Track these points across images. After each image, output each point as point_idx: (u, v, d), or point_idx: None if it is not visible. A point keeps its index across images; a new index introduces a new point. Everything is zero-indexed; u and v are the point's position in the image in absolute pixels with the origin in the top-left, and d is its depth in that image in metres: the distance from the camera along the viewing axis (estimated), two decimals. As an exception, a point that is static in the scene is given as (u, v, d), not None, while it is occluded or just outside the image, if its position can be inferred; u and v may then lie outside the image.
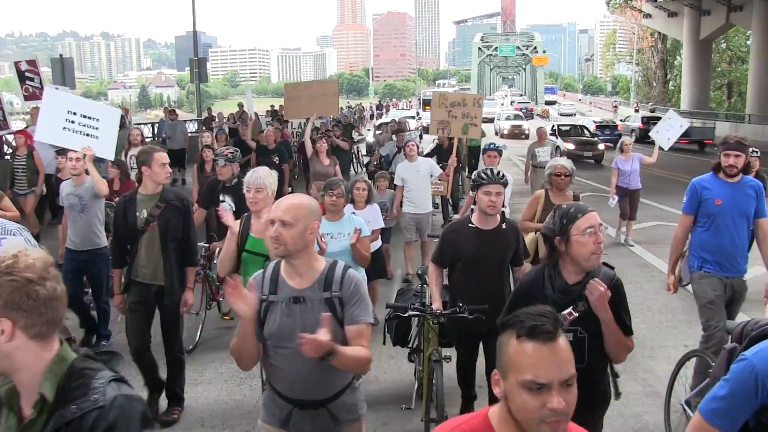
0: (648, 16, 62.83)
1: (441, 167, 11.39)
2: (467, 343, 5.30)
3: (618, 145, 13.36)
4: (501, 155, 8.98)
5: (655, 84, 74.09)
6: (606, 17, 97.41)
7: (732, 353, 3.14)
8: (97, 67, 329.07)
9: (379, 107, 63.66)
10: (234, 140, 17.09)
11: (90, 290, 7.80)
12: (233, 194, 7.42)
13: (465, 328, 5.01)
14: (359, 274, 3.49)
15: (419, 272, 6.39)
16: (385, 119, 34.33)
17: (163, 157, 5.61)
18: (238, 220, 5.23)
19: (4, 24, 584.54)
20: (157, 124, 22.23)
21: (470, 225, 5.07)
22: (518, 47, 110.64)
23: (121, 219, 5.69)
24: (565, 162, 6.70)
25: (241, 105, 26.80)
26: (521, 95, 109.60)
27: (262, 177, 5.10)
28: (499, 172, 4.98)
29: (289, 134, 17.93)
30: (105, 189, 7.24)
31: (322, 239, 5.16)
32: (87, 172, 7.16)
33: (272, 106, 26.11)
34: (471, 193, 8.32)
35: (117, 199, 8.70)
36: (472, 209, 5.37)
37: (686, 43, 56.40)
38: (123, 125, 14.57)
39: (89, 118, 7.10)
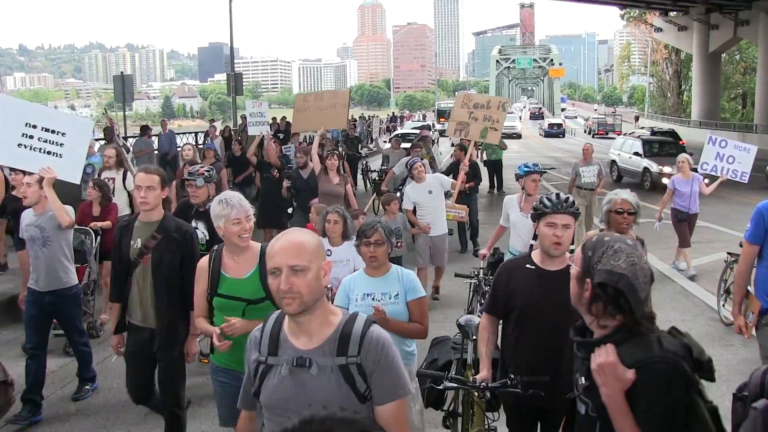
0: (659, 30, 64.30)
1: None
2: (521, 420, 4.09)
3: (676, 163, 11.73)
4: (542, 176, 7.58)
5: (669, 95, 75.15)
6: (624, 28, 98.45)
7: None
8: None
9: (393, 119, 60.27)
10: (228, 154, 16.56)
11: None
12: (207, 220, 5.88)
13: (518, 404, 3.98)
14: (385, 334, 2.71)
15: (459, 322, 5.00)
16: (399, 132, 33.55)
17: (138, 179, 4.82)
18: (205, 256, 4.30)
19: (34, 37, 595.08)
20: (156, 138, 20.17)
21: (529, 266, 3.97)
22: (535, 60, 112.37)
23: (116, 248, 5.00)
24: (629, 196, 5.26)
25: (244, 117, 26.47)
26: (539, 107, 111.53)
27: (244, 202, 4.20)
28: (568, 199, 3.97)
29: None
30: (67, 219, 5.97)
31: (376, 305, 4.28)
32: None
33: (273, 118, 25.87)
34: (501, 221, 7.55)
35: (94, 223, 8.26)
36: (532, 245, 4.39)
37: (696, 56, 57.86)
38: (111, 139, 14.40)
39: (52, 132, 6.01)
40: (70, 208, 6.08)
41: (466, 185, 11.74)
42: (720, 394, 6.09)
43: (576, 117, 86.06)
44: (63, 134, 6.04)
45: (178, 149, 18.70)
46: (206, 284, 4.17)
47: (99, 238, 8.25)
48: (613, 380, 2.42)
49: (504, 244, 7.83)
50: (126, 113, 25.65)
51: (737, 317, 5.14)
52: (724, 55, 62.03)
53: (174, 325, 4.87)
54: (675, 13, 59.47)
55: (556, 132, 61.23)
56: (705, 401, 2.48)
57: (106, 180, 9.17)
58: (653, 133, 34.64)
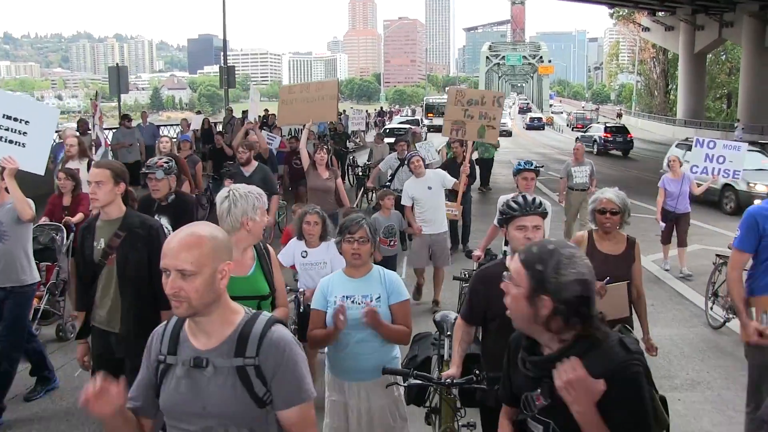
0: (647, 29, 64.98)
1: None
2: (490, 419, 3.80)
3: (665, 162, 11.81)
4: (538, 176, 6.97)
5: (656, 93, 75.84)
6: (614, 26, 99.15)
7: None
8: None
9: (381, 114, 59.77)
10: (210, 147, 16.04)
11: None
12: (170, 214, 6.25)
13: (485, 401, 3.94)
14: (288, 334, 2.58)
15: (435, 318, 5.10)
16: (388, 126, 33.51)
17: (91, 173, 4.53)
18: None
19: (20, 25, 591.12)
20: (113, 132, 18.84)
21: (498, 271, 3.66)
22: (525, 57, 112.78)
23: (78, 250, 4.72)
24: (614, 195, 5.02)
25: (230, 110, 25.90)
26: (527, 103, 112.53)
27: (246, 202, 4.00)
28: (535, 200, 3.85)
29: (286, 143, 16.05)
30: (28, 213, 5.64)
31: (341, 317, 3.96)
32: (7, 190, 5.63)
33: (266, 110, 26.10)
34: (495, 222, 6.83)
35: (67, 218, 7.84)
36: (506, 251, 4.13)
37: (682, 56, 58.55)
38: (86, 131, 13.89)
39: (15, 119, 5.66)
40: (31, 202, 5.70)
41: (464, 184, 11.02)
42: (708, 397, 6.42)
43: (562, 113, 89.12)
44: (26, 122, 5.69)
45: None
46: None
47: (72, 234, 7.68)
48: (584, 395, 2.28)
49: (496, 246, 7.66)
50: (114, 104, 25.65)
51: (747, 325, 4.63)
52: (709, 55, 62.77)
53: (144, 327, 3.94)
54: (662, 13, 60.13)
55: (537, 125, 67.80)
56: (656, 391, 2.73)
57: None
58: (607, 128, 39.95)
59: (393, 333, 4.17)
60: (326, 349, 4.39)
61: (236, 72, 31.27)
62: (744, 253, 4.73)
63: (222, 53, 33.86)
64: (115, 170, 4.55)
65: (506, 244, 4.12)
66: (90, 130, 13.44)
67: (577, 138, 39.87)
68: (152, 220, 4.82)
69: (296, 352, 2.54)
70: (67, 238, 7.77)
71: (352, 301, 4.15)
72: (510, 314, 2.46)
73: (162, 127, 26.96)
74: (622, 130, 39.68)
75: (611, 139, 38.02)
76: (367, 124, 44.31)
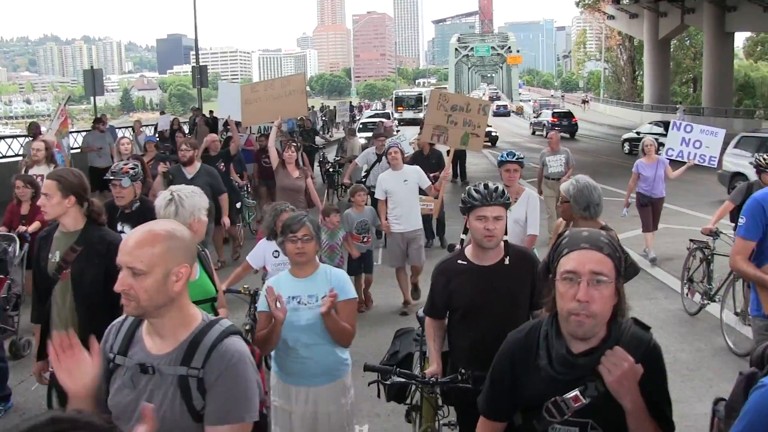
0: (612, 17, 66.32)
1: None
2: (468, 419, 3.68)
3: (640, 146, 11.39)
4: (522, 167, 6.61)
5: (624, 80, 76.93)
6: (581, 14, 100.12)
7: (750, 380, 2.38)
8: (79, 71, 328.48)
9: (351, 108, 57.13)
10: (172, 148, 14.88)
11: None
12: (135, 222, 5.45)
13: (469, 400, 3.49)
14: (241, 348, 2.44)
15: (418, 314, 4.85)
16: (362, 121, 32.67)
17: (44, 185, 4.30)
18: None
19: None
20: (84, 135, 18.05)
21: (461, 262, 3.84)
22: (493, 47, 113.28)
23: (34, 261, 4.53)
24: (567, 184, 4.95)
25: (196, 110, 25.64)
26: (497, 93, 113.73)
27: (202, 199, 3.97)
28: (497, 188, 3.74)
29: (254, 141, 15.67)
30: None
31: (278, 304, 3.73)
32: None
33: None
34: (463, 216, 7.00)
35: (19, 228, 7.52)
36: (462, 240, 4.05)
37: (647, 43, 59.88)
38: (37, 135, 12.95)
39: None
40: None
41: (432, 175, 10.57)
42: (693, 385, 6.42)
43: (530, 101, 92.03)
44: None
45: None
46: None
47: (27, 244, 7.33)
48: (635, 385, 2.26)
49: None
50: (84, 107, 25.67)
51: None
52: (674, 41, 64.09)
53: None
54: (627, 1, 61.36)
55: (503, 112, 72.82)
56: None
57: (35, 177, 8.17)
58: (554, 113, 45.51)
59: (339, 329, 3.96)
60: (273, 353, 4.16)
61: (206, 71, 31.52)
62: (749, 242, 4.45)
63: (193, 52, 34.06)
64: (63, 182, 4.21)
65: (465, 232, 3.90)
66: (41, 134, 12.82)
67: (550, 125, 41.18)
68: (113, 235, 4.41)
69: (245, 369, 2.39)
70: (21, 248, 7.32)
71: (299, 302, 3.98)
72: (596, 320, 2.27)
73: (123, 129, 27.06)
74: (568, 115, 44.44)
75: (558, 122, 41.53)
76: (351, 116, 44.10)
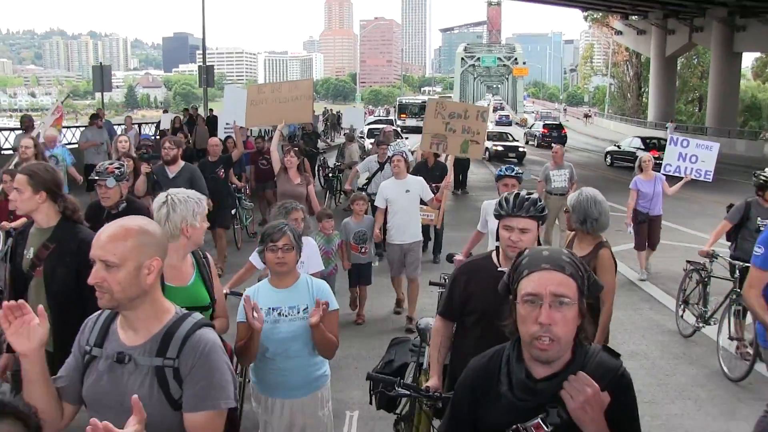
0: (619, 33, 66.11)
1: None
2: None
3: (637, 162, 11.11)
4: (520, 183, 6.35)
5: (629, 96, 76.87)
6: (590, 29, 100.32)
7: None
8: (85, 66, 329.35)
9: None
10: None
11: None
12: None
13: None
14: (213, 338, 2.52)
15: (418, 325, 4.85)
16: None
17: (16, 180, 4.24)
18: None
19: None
20: (82, 130, 17.86)
21: (490, 268, 3.69)
22: (500, 58, 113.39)
23: (11, 258, 4.44)
24: (571, 196, 5.05)
25: (194, 108, 25.40)
26: (501, 103, 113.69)
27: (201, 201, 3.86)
28: (528, 199, 3.63)
29: (253, 142, 15.20)
30: None
31: (255, 314, 3.59)
32: None
33: (211, 109, 26.82)
34: (478, 227, 6.94)
35: (4, 223, 7.35)
36: (497, 247, 3.85)
37: (653, 60, 59.63)
38: (30, 128, 12.85)
39: None
40: None
41: (435, 185, 10.30)
42: (644, 365, 6.86)
43: (533, 113, 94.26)
44: None
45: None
46: None
47: (11, 239, 7.08)
48: (599, 412, 2.12)
49: (477, 251, 7.26)
50: (89, 102, 25.75)
51: None
52: (681, 59, 63.97)
53: (69, 346, 3.31)
54: (635, 17, 61.19)
55: (504, 122, 74.23)
56: None
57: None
58: (545, 125, 48.33)
59: (326, 340, 3.85)
60: (252, 364, 4.09)
61: (213, 71, 31.49)
62: (766, 273, 4.32)
63: (198, 52, 34.12)
64: (34, 177, 4.14)
65: (497, 239, 3.80)
66: (34, 127, 12.72)
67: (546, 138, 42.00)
68: (85, 232, 4.23)
69: (218, 358, 2.48)
70: (5, 243, 7.00)
71: (279, 314, 3.89)
72: (560, 344, 2.14)
73: (142, 125, 27.02)
74: (558, 127, 47.55)
75: (548, 133, 44.59)
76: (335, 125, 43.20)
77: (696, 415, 6.23)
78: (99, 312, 2.62)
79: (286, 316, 3.88)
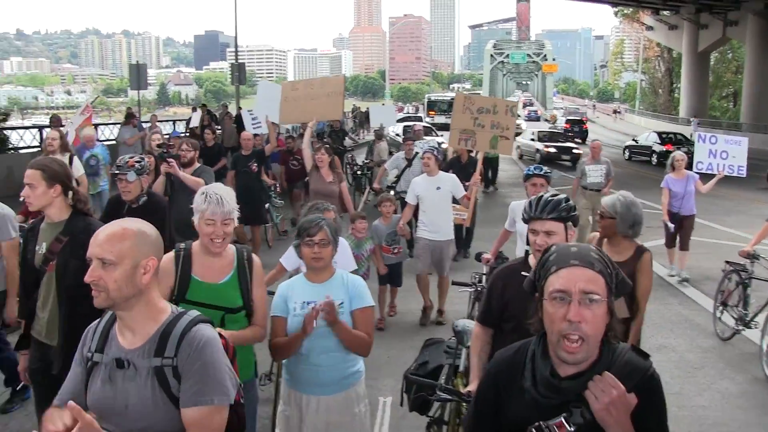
0: (650, 28, 65.40)
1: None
2: None
3: (669, 160, 10.86)
4: (549, 183, 6.24)
5: (661, 92, 76.06)
6: (620, 24, 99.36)
7: None
8: (118, 64, 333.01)
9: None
10: (201, 145, 14.17)
11: None
12: (141, 217, 4.79)
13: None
14: (209, 334, 2.51)
15: (455, 327, 4.65)
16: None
17: (28, 175, 4.15)
18: (168, 255, 3.70)
19: (30, 22, 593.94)
20: (119, 129, 18.31)
21: (525, 273, 3.26)
22: (529, 55, 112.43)
23: (22, 254, 4.42)
24: (612, 199, 4.81)
25: (225, 105, 25.71)
26: (530, 99, 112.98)
27: (229, 202, 3.70)
28: (551, 201, 3.55)
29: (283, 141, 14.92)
30: None
31: (314, 309, 3.69)
32: None
33: (225, 104, 26.72)
34: (506, 225, 6.87)
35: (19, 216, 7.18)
36: (527, 251, 3.89)
37: (685, 55, 58.97)
38: (58, 126, 13.09)
39: None
40: None
41: (466, 183, 9.79)
42: (672, 358, 6.85)
43: (561, 108, 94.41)
44: None
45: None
46: (171, 288, 3.63)
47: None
48: (625, 414, 2.06)
49: (508, 250, 7.33)
50: (122, 99, 26.29)
51: None
52: (715, 54, 63.10)
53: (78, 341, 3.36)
54: (666, 12, 60.48)
55: (534, 117, 75.58)
56: None
57: None
58: (567, 120, 51.30)
59: (352, 338, 3.83)
60: (284, 360, 4.10)
61: (245, 68, 31.82)
62: None
63: (230, 50, 34.52)
64: (48, 171, 4.12)
65: (528, 243, 3.76)
66: (63, 125, 12.76)
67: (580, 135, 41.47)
68: (97, 225, 3.83)
69: (212, 352, 2.46)
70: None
71: (313, 308, 3.79)
72: (588, 343, 2.10)
73: (170, 122, 27.45)
74: (579, 122, 50.01)
75: (570, 129, 46.15)
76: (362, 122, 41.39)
77: (724, 407, 6.24)
78: (98, 319, 2.65)
79: (321, 310, 3.78)
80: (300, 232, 3.95)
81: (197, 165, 8.68)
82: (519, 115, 58.90)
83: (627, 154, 34.27)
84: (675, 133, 34.24)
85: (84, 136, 11.19)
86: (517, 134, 43.36)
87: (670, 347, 7.71)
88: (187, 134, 19.25)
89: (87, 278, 2.41)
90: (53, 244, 4.09)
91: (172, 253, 3.73)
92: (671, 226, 10.37)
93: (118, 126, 19.74)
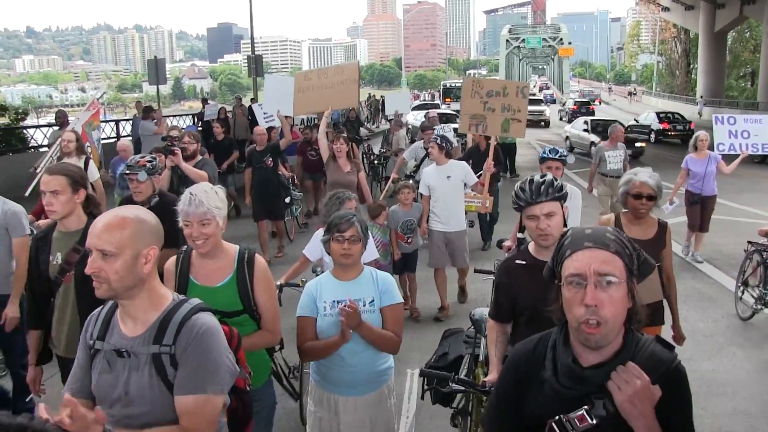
0: (666, 9, 64.69)
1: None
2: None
3: (692, 140, 10.73)
4: (565, 165, 6.16)
5: (678, 73, 75.41)
6: (637, 5, 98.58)
7: None
8: (132, 59, 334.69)
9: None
10: (211, 140, 14.57)
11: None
12: None
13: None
14: (210, 321, 2.53)
15: (473, 316, 4.67)
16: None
17: (44, 181, 4.02)
18: (172, 258, 3.71)
19: (41, 19, 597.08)
20: (130, 122, 18.36)
21: (520, 261, 3.58)
22: (545, 39, 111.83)
23: (33, 264, 4.19)
24: (649, 178, 4.67)
25: (239, 98, 24.92)
26: (547, 83, 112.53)
27: (207, 202, 3.49)
28: (544, 181, 3.50)
29: (298, 132, 14.62)
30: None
31: (346, 309, 3.58)
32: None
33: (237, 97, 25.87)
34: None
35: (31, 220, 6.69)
36: (521, 238, 3.87)
37: (702, 35, 58.35)
38: (64, 124, 12.74)
39: None
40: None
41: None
42: (684, 327, 6.61)
43: (577, 91, 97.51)
44: None
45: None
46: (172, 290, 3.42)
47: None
48: (649, 406, 1.99)
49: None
50: (137, 95, 26.36)
51: None
52: (733, 33, 62.35)
53: None
54: (682, -8, 59.82)
55: (549, 99, 79.22)
56: None
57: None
58: (575, 102, 53.87)
59: (379, 338, 3.75)
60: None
61: (262, 60, 31.61)
62: None
63: (244, 41, 34.67)
64: (72, 176, 4.01)
65: (521, 231, 3.72)
66: (68, 122, 12.33)
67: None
68: None
69: (213, 342, 2.46)
70: None
71: (344, 306, 3.66)
72: (608, 326, 2.02)
73: (188, 116, 27.44)
74: (586, 104, 52.00)
75: (577, 110, 47.61)
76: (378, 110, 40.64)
77: (732, 370, 6.57)
78: (101, 307, 2.65)
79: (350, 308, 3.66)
80: (330, 227, 3.82)
81: (199, 158, 8.56)
82: (542, 99, 59.39)
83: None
84: (672, 113, 35.70)
85: (120, 147, 10.74)
86: (541, 121, 43.79)
87: (682, 317, 7.69)
88: (200, 128, 19.10)
89: (87, 270, 2.40)
90: (70, 255, 3.96)
91: (174, 257, 3.69)
92: (674, 204, 10.05)
93: (130, 121, 19.64)
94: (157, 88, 24.89)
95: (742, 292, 8.25)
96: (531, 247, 3.61)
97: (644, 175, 4.68)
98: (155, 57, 23.70)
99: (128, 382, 2.44)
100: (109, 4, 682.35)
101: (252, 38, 32.62)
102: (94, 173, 8.77)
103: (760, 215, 13.90)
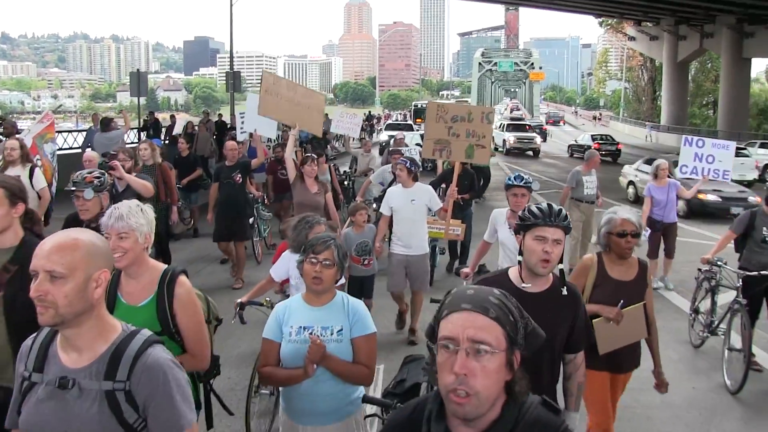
0: (633, 38, 67.11)
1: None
2: None
3: (652, 168, 10.80)
4: (531, 193, 6.21)
5: (644, 100, 77.58)
6: (605, 33, 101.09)
7: None
8: (107, 69, 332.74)
9: (369, 118, 53.80)
10: (176, 155, 13.85)
11: None
12: None
13: None
14: (166, 358, 2.36)
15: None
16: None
17: None
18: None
19: (17, 25, 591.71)
20: (85, 134, 17.43)
21: (510, 285, 3.38)
22: (516, 63, 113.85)
23: None
24: (630, 215, 4.46)
25: (207, 113, 25.86)
26: (517, 105, 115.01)
27: (127, 217, 3.39)
28: (561, 211, 3.38)
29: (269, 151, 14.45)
30: None
31: (314, 336, 3.51)
32: None
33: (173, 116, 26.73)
34: (485, 237, 6.67)
35: None
36: (480, 266, 3.29)
37: (665, 65, 60.74)
38: (11, 134, 11.07)
39: None
40: None
41: (461, 197, 9.97)
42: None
43: (545, 113, 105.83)
44: None
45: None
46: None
47: None
48: None
49: (489, 263, 7.13)
50: (110, 105, 27.05)
51: None
52: (695, 63, 64.78)
53: None
54: (648, 23, 62.15)
55: (557, 117, 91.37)
56: None
57: None
58: (527, 125, 54.90)
59: (346, 371, 3.56)
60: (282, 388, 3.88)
61: (240, 76, 32.36)
62: None
63: (220, 56, 35.38)
64: (10, 188, 3.64)
65: (520, 254, 3.45)
66: (18, 132, 11.53)
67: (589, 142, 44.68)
68: None
69: (173, 378, 2.32)
70: None
71: (310, 333, 3.55)
72: (479, 399, 1.83)
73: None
74: (557, 123, 60.95)
75: (530, 128, 52.40)
76: (364, 129, 38.50)
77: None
78: (35, 334, 2.43)
79: (319, 335, 3.55)
80: (306, 247, 3.70)
81: (134, 174, 8.22)
82: (530, 125, 58.97)
83: (570, 151, 42.18)
84: (604, 135, 43.64)
85: (87, 158, 9.66)
86: (529, 149, 44.18)
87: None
88: (166, 141, 19.22)
89: (32, 293, 2.20)
90: (0, 274, 3.49)
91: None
92: (646, 232, 9.99)
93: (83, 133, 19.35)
94: (138, 100, 25.89)
95: (694, 320, 8.24)
96: (513, 273, 3.50)
97: (624, 212, 4.47)
98: (138, 70, 24.54)
99: (70, 419, 2.26)
100: (86, 13, 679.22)
101: (231, 55, 33.45)
102: (40, 181, 8.53)
103: (709, 237, 14.09)
